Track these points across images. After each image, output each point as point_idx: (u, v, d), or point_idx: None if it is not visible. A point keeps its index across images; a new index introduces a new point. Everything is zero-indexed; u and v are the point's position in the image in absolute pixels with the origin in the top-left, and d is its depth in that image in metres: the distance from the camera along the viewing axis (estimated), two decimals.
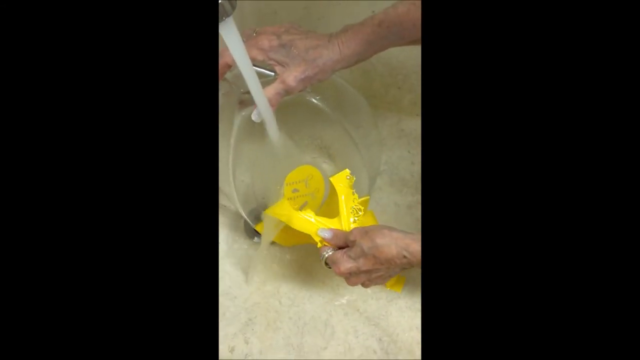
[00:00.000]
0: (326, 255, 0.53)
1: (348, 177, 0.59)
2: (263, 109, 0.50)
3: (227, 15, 0.41)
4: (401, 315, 0.62)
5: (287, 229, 0.60)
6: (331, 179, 0.60)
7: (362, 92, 0.63)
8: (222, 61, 0.50)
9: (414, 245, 0.48)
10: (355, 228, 0.55)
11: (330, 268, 0.54)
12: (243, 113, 0.54)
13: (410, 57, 0.74)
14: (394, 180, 0.75)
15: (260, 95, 0.48)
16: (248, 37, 0.52)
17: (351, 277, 0.52)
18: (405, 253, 0.48)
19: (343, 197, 0.58)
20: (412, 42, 0.51)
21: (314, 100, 0.57)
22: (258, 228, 0.65)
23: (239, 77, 0.48)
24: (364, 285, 0.54)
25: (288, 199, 0.60)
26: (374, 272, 0.51)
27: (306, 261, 0.69)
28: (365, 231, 0.51)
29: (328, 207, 0.63)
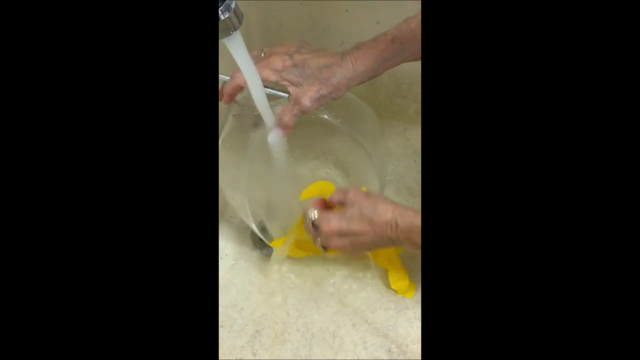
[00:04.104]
0: (314, 216, 0.53)
1: None
2: (268, 122, 0.50)
3: (235, 29, 0.41)
4: (410, 326, 0.62)
5: (297, 241, 0.60)
6: None
7: (367, 102, 0.63)
8: (233, 82, 0.50)
9: (408, 214, 0.48)
10: (353, 188, 0.54)
11: (315, 229, 0.53)
12: (257, 134, 0.54)
13: (414, 66, 0.73)
14: (401, 190, 0.75)
15: (267, 109, 0.48)
16: (257, 59, 0.51)
17: (336, 238, 0.51)
18: (398, 220, 0.48)
19: None
20: None
21: (326, 117, 0.57)
22: (274, 244, 0.65)
23: (250, 98, 0.47)
24: (344, 249, 0.53)
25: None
26: (361, 236, 0.50)
27: (313, 272, 0.69)
28: (367, 194, 0.51)
29: None
